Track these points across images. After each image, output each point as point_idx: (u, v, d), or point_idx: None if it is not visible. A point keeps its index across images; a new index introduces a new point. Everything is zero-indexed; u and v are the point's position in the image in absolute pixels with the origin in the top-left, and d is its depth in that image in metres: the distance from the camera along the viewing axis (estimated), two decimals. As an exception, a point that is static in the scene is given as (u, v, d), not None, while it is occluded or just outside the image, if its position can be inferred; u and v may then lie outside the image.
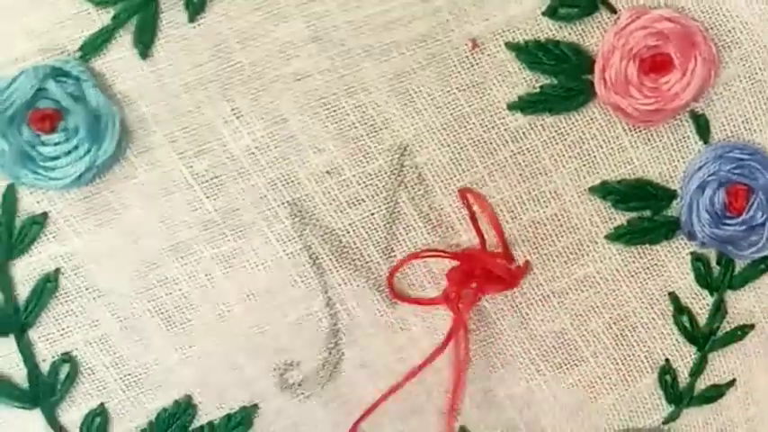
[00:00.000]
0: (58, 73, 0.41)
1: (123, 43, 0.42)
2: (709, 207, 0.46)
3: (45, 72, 0.41)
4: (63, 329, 0.44)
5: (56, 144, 0.41)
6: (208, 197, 0.44)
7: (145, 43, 0.41)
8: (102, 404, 0.46)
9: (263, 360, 0.46)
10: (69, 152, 0.41)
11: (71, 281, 0.44)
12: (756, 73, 0.45)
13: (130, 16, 0.41)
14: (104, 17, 0.41)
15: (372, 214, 0.45)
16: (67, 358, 0.45)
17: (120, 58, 0.42)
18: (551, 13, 0.44)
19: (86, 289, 0.44)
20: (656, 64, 0.44)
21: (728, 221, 0.46)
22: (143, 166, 0.43)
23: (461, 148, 0.45)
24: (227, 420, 0.46)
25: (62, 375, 0.45)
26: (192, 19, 0.42)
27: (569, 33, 0.44)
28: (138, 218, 0.43)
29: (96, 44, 0.41)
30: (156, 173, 0.43)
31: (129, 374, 0.45)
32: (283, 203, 0.44)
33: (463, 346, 0.45)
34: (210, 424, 0.46)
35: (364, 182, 0.44)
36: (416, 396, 0.48)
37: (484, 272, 0.46)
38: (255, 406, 0.47)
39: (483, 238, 0.45)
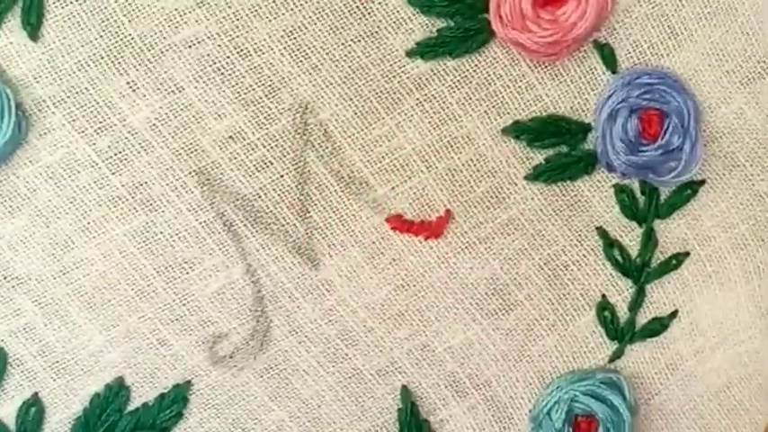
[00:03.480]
0: (-51, 62, 0.41)
1: (12, 27, 0.42)
2: (622, 135, 0.45)
3: (-66, 61, 0.41)
4: (-14, 321, 0.45)
5: (-46, 133, 0.42)
6: (113, 173, 0.44)
7: (33, 25, 0.42)
8: (35, 394, 0.45)
9: (191, 334, 0.46)
10: (-31, 140, 0.42)
11: (-12, 271, 0.44)
12: (656, -4, 0.45)
13: None
14: (-9, 3, 0.42)
15: (282, 176, 0.45)
16: (-5, 350, 0.45)
17: (10, 43, 0.42)
18: (437, -47, 0.44)
19: (5, 278, 0.44)
20: (550, -4, 0.44)
21: (644, 148, 0.45)
22: (46, 149, 0.43)
23: (364, 100, 0.44)
24: (160, 400, 0.46)
25: (-9, 368, 0.45)
26: (77, -4, 0.42)
27: (459, -26, 0.44)
28: (48, 201, 0.43)
29: (-15, 30, 0.42)
30: (60, 153, 0.43)
31: (58, 362, 0.45)
32: (190, 173, 0.44)
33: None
34: (145, 405, 0.46)
35: (270, 144, 0.44)
36: (352, 359, 0.47)
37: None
38: (189, 383, 0.46)
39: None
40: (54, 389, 0.45)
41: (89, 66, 0.42)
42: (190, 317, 0.45)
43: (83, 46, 0.42)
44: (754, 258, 0.48)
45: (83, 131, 0.43)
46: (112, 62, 0.42)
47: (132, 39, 0.42)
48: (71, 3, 0.42)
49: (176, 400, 0.46)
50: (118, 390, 0.46)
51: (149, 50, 0.42)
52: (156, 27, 0.42)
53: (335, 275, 0.46)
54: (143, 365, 0.46)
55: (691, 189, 0.47)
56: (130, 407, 0.46)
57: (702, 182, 0.47)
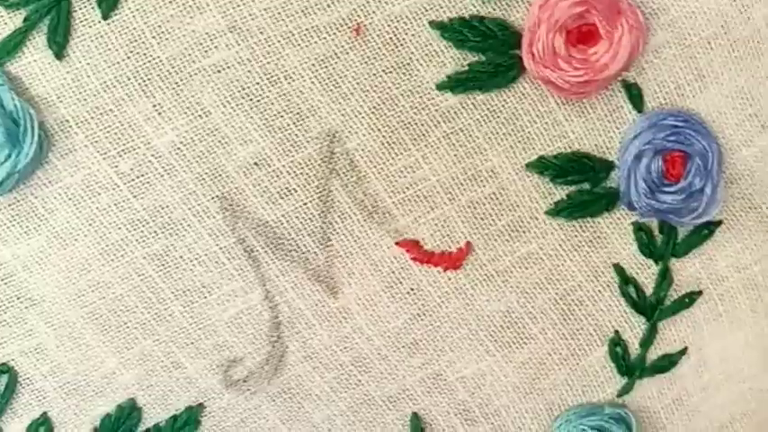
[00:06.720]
0: (-29, 79, 0.40)
1: (37, 45, 0.41)
2: (646, 176, 0.45)
3: (-42, 79, 0.40)
4: (-2, 340, 0.44)
5: (-26, 152, 0.41)
6: (135, 196, 0.43)
7: (59, 43, 0.40)
8: (44, 413, 0.45)
9: (206, 358, 0.45)
10: (-11, 159, 0.41)
11: (2, 290, 0.43)
12: (685, 38, 0.45)
13: (43, 17, 0.40)
14: (16, 19, 0.40)
15: (305, 204, 0.44)
16: (5, 369, 0.44)
17: (35, 61, 0.41)
18: (473, -12, 0.43)
19: (18, 298, 0.43)
20: (582, 35, 0.43)
21: (666, 189, 0.45)
22: (67, 169, 0.42)
23: (392, 131, 0.44)
24: (173, 422, 0.46)
25: (1, 387, 0.44)
26: (105, 16, 0.41)
27: (494, 8, 0.43)
28: (66, 222, 0.43)
29: (9, 47, 0.40)
30: (81, 175, 0.42)
31: (69, 382, 0.45)
32: (213, 198, 0.43)
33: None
34: (157, 426, 0.46)
35: (294, 171, 0.44)
36: (365, 385, 0.47)
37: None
38: (201, 405, 0.46)
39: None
40: (64, 409, 0.45)
41: (115, 87, 0.41)
42: (205, 341, 0.45)
43: (109, 66, 0.41)
44: (764, 299, 0.49)
45: (105, 153, 0.42)
46: (139, 84, 0.41)
47: (160, 61, 0.41)
48: (99, 22, 0.41)
49: (188, 422, 0.46)
50: (130, 411, 0.45)
51: (177, 73, 0.41)
52: (186, 50, 0.41)
53: (353, 303, 0.46)
54: (156, 387, 0.45)
55: (708, 229, 0.47)
56: (141, 428, 0.46)
57: (719, 222, 0.47)
